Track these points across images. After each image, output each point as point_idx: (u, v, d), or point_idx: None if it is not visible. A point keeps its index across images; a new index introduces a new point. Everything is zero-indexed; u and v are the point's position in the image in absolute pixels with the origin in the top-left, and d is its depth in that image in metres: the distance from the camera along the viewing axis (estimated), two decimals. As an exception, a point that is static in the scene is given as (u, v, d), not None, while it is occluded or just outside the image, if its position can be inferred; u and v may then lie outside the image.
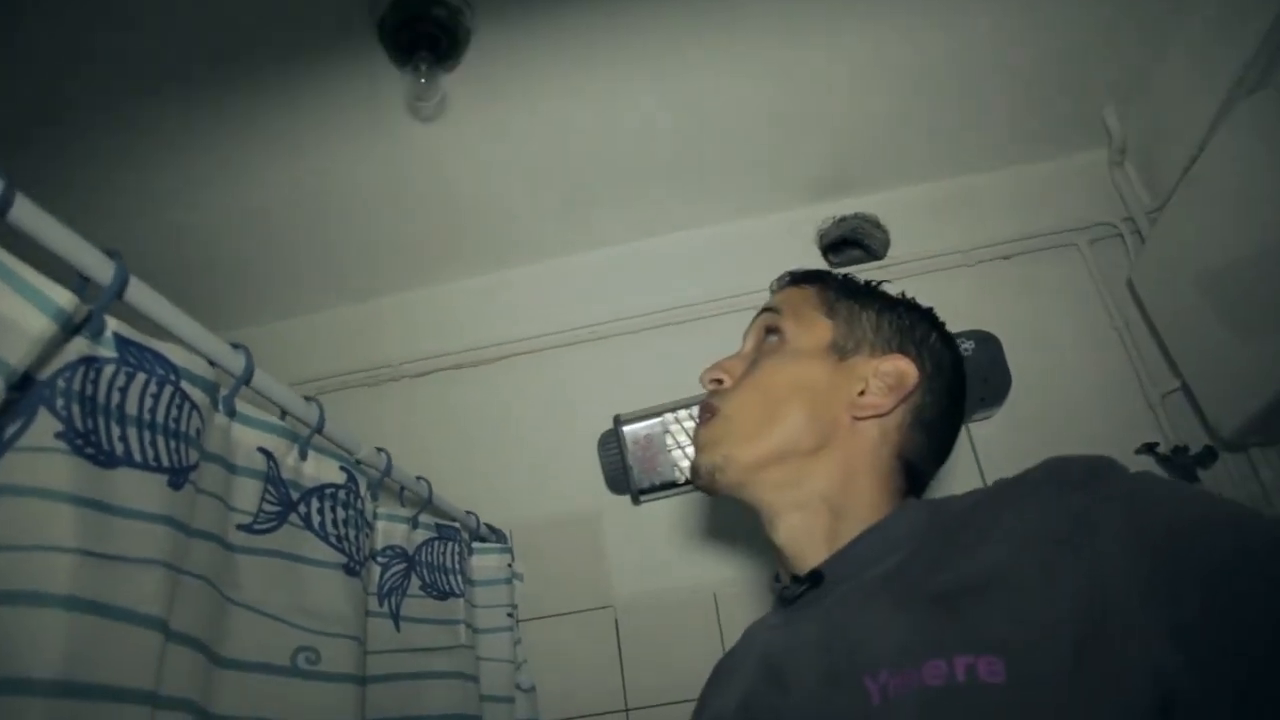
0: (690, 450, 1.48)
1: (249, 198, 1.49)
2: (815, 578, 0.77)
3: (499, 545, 1.44)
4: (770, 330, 0.91)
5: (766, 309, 0.93)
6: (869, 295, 0.90)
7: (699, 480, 0.86)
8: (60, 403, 0.63)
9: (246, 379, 0.83)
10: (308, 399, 0.95)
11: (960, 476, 1.48)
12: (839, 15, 1.28)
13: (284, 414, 0.92)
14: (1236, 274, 1.18)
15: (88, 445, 0.64)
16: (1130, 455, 1.40)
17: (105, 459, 0.65)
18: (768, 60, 1.36)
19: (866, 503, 0.80)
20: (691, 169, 1.58)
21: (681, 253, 1.78)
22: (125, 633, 0.62)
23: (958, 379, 0.88)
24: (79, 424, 0.64)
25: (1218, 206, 1.20)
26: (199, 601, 0.72)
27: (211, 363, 0.79)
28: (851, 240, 1.71)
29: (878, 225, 1.68)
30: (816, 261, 1.70)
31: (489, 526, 1.46)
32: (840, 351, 0.85)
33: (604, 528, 1.61)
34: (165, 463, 0.69)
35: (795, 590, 0.78)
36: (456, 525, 1.32)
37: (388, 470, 1.09)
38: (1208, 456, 1.39)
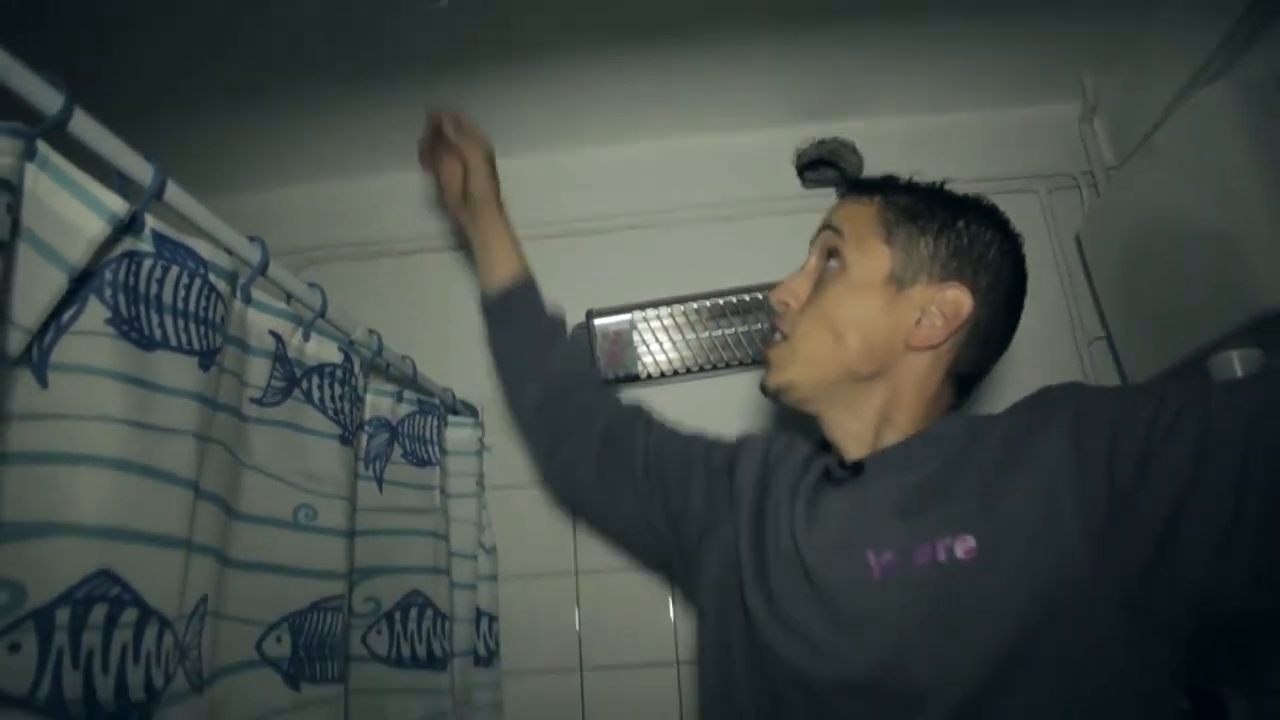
0: (655, 347, 1.60)
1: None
2: (857, 468, 0.91)
3: (471, 420, 1.56)
4: (831, 253, 0.96)
5: (829, 227, 0.97)
6: (928, 214, 0.93)
7: (767, 393, 0.98)
8: (108, 292, 0.72)
9: (262, 269, 0.92)
10: (311, 285, 1.04)
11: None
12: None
13: (289, 298, 1.02)
14: (1169, 243, 1.28)
15: (132, 330, 0.73)
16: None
17: (146, 343, 0.74)
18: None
19: (910, 417, 0.92)
20: (682, 74, 1.61)
21: (663, 158, 1.83)
22: (166, 491, 0.73)
23: (1017, 286, 0.94)
24: (124, 311, 0.73)
25: (1164, 179, 1.29)
26: (220, 465, 0.84)
27: (231, 254, 0.88)
28: (828, 161, 1.79)
29: (854, 151, 1.75)
30: (791, 178, 1.77)
31: (463, 402, 1.58)
32: (899, 283, 0.91)
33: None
34: (196, 347, 0.79)
35: (842, 475, 0.92)
36: (435, 400, 1.44)
37: (379, 351, 1.20)
38: (1134, 386, 1.53)
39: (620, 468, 1.18)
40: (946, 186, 0.97)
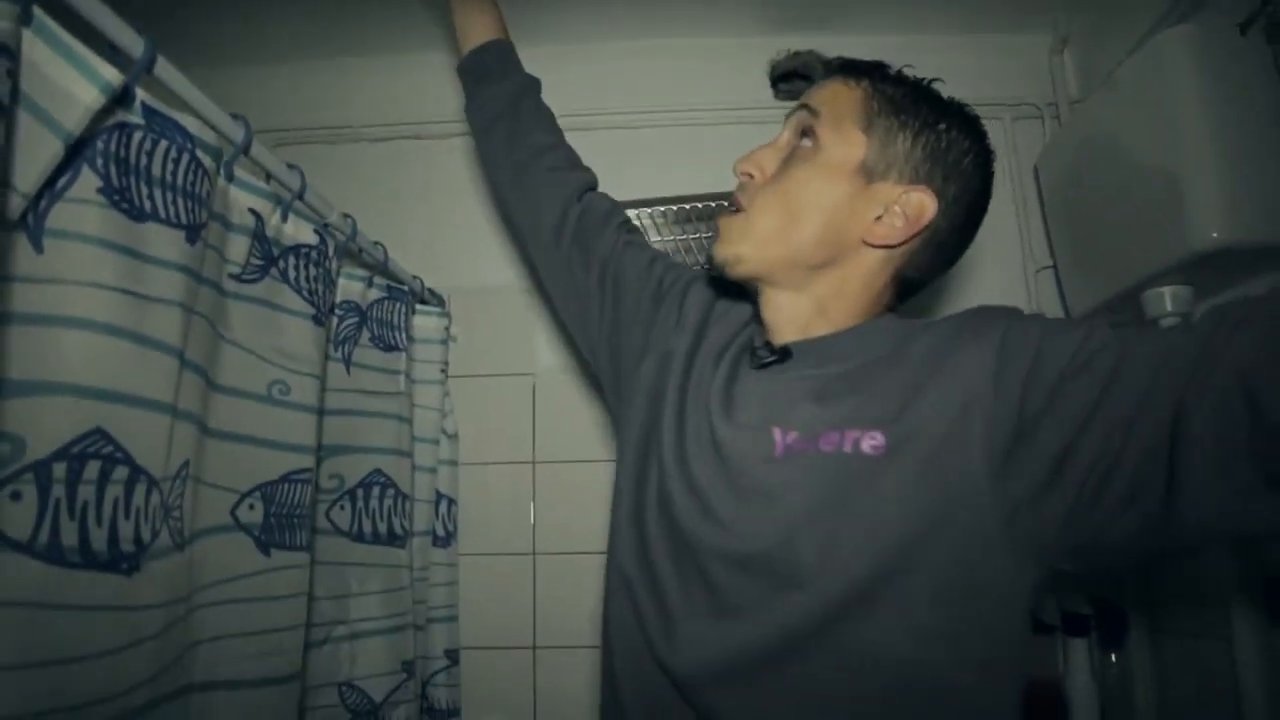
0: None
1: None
2: (785, 353, 0.91)
3: (438, 310, 1.59)
4: (805, 132, 0.91)
5: (806, 106, 0.92)
6: (913, 110, 0.89)
7: (712, 264, 0.94)
8: (100, 162, 0.73)
9: (245, 148, 0.93)
10: (290, 166, 1.05)
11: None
12: None
13: (269, 178, 1.03)
14: (1118, 179, 1.33)
15: (123, 200, 0.75)
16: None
17: (136, 213, 0.76)
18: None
19: (847, 311, 0.91)
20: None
21: (636, 61, 1.83)
22: (155, 358, 0.76)
23: (981, 201, 0.91)
24: (115, 181, 0.74)
25: (1121, 116, 1.33)
26: (202, 337, 0.87)
27: (216, 130, 0.89)
28: (801, 74, 1.79)
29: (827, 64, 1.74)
30: (765, 89, 1.79)
31: (431, 291, 1.60)
32: (868, 174, 0.87)
33: (534, 304, 1.76)
34: (184, 220, 0.81)
35: (766, 356, 0.92)
36: (404, 287, 1.46)
37: (353, 235, 1.21)
38: (1074, 321, 1.59)
39: (582, 250, 1.15)
40: (934, 86, 0.93)
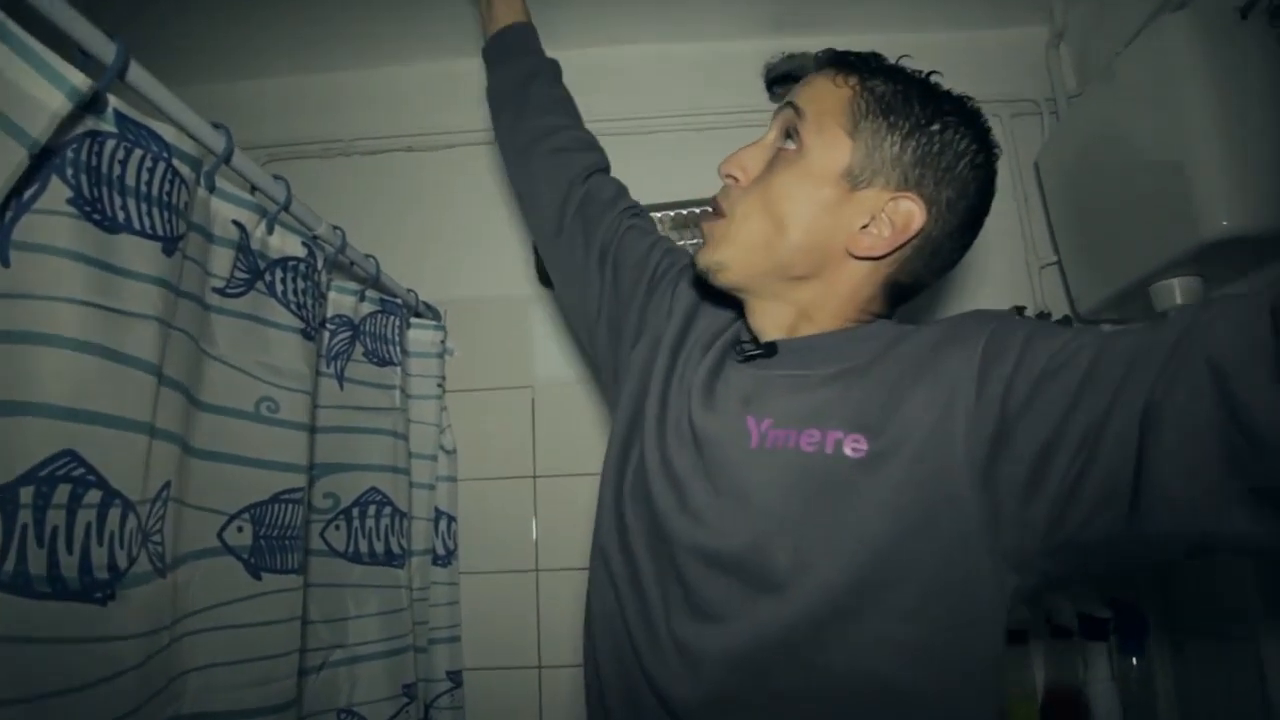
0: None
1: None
2: (771, 349, 0.89)
3: (434, 323, 1.56)
4: (790, 133, 0.87)
5: (792, 105, 0.88)
6: (904, 110, 0.83)
7: (696, 269, 0.92)
8: (70, 171, 0.71)
9: (226, 157, 0.90)
10: (276, 177, 1.02)
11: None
12: None
13: (254, 189, 1.00)
14: (1121, 171, 1.30)
15: (94, 211, 0.72)
16: (1003, 313, 1.58)
17: (109, 225, 0.73)
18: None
19: (834, 316, 0.88)
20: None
21: (631, 64, 1.80)
22: (130, 375, 0.73)
23: (980, 205, 0.87)
24: (86, 192, 0.71)
25: (1121, 107, 1.30)
26: (183, 353, 0.84)
27: (196, 140, 0.86)
28: (797, 77, 1.76)
29: (824, 66, 1.72)
30: (760, 92, 1.76)
31: (426, 304, 1.57)
32: (853, 181, 0.83)
33: (531, 315, 1.73)
34: (160, 231, 0.78)
35: (750, 350, 0.90)
36: (398, 301, 1.44)
37: (342, 247, 1.18)
38: (1065, 325, 1.57)
39: (584, 230, 1.13)
40: (933, 79, 0.88)
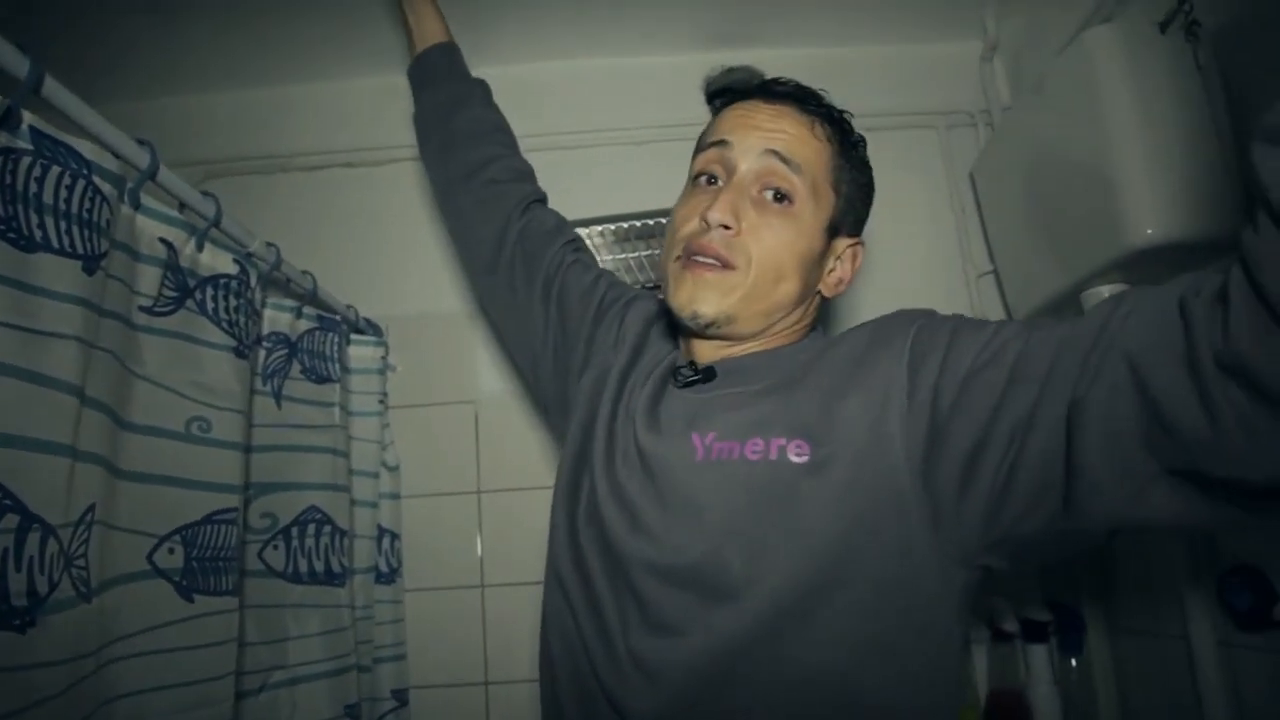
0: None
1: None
2: (709, 372, 0.91)
3: (375, 339, 1.54)
4: (781, 195, 0.88)
5: (784, 159, 0.88)
6: (863, 166, 0.95)
7: (701, 320, 0.88)
8: (-18, 189, 0.69)
9: (152, 174, 0.89)
10: (205, 194, 1.01)
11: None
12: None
13: (183, 206, 0.99)
14: (1052, 181, 1.33)
15: (9, 230, 0.71)
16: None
17: (26, 244, 0.72)
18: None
19: (776, 337, 0.93)
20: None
21: (570, 80, 1.81)
22: (49, 396, 0.71)
23: None
24: (1, 210, 0.70)
25: (1051, 118, 1.33)
26: (108, 373, 0.82)
27: (119, 156, 0.84)
28: (737, 90, 1.78)
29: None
30: (701, 105, 1.77)
31: (367, 320, 1.56)
32: (833, 232, 0.92)
33: (474, 330, 1.72)
34: (80, 250, 0.76)
35: (689, 376, 0.92)
36: (337, 317, 1.42)
37: (277, 264, 1.17)
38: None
39: (525, 265, 1.13)
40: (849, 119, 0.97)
